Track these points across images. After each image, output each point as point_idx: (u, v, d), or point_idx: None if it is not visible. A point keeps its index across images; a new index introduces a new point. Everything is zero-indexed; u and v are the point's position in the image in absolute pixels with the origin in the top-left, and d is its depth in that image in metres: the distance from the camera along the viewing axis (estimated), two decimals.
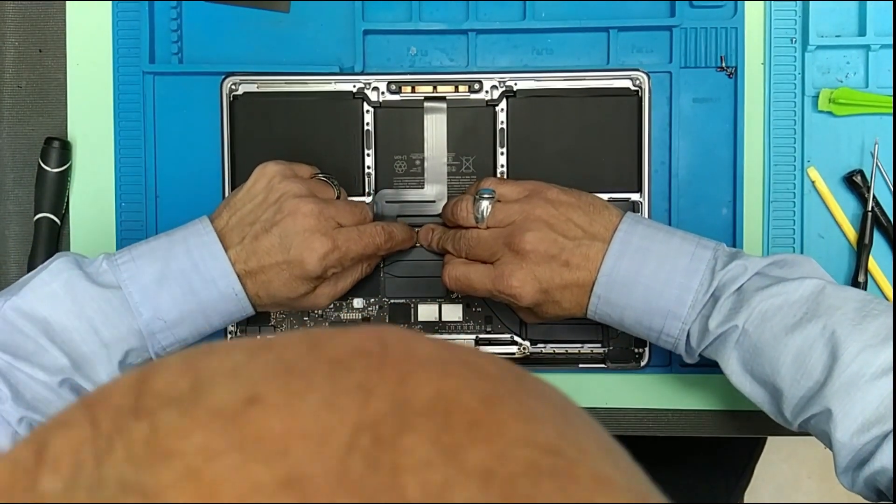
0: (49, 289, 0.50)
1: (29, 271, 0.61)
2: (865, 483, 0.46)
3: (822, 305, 0.47)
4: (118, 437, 0.15)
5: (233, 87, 0.61)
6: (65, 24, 0.63)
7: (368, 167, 0.61)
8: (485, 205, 0.54)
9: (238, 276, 0.52)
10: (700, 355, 0.52)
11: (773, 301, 0.48)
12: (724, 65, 0.61)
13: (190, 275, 0.51)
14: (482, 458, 0.15)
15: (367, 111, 0.61)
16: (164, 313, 0.51)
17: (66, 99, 0.63)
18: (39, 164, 0.61)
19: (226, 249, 0.52)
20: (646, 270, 0.50)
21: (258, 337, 0.62)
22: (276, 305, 0.55)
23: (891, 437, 0.44)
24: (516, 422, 0.16)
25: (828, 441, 0.47)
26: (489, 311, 0.61)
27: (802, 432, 0.51)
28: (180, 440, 0.15)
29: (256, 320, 0.61)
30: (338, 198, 0.57)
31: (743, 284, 0.49)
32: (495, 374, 0.18)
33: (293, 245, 0.51)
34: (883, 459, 0.44)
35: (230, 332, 0.62)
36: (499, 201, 0.54)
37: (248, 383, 0.16)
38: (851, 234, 0.61)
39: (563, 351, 0.61)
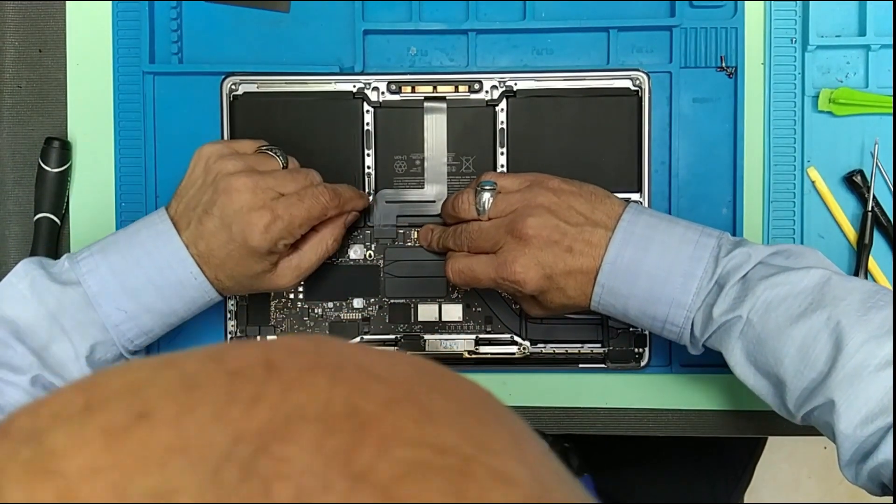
0: (15, 290, 0.51)
1: None
2: (869, 476, 0.45)
3: (827, 296, 0.47)
4: (8, 461, 0.15)
5: (233, 87, 0.61)
6: (65, 24, 0.63)
7: (368, 167, 0.61)
8: (486, 196, 0.54)
9: (194, 260, 0.52)
10: (704, 346, 0.52)
11: (778, 291, 0.48)
12: (724, 65, 0.61)
13: (145, 263, 0.52)
14: (365, 461, 0.15)
15: (367, 111, 0.61)
16: (124, 303, 0.52)
17: (66, 99, 0.63)
18: (39, 164, 0.61)
19: (179, 234, 0.52)
20: (650, 258, 0.50)
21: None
22: (242, 288, 0.55)
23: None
24: (412, 423, 0.16)
25: (831, 433, 0.47)
26: (489, 311, 0.61)
27: (804, 429, 0.51)
28: (63, 460, 0.15)
29: (257, 320, 0.61)
30: (285, 168, 0.55)
31: (748, 273, 0.49)
32: (399, 376, 0.18)
33: (233, 223, 0.51)
34: (887, 452, 0.44)
35: (230, 333, 0.62)
36: (499, 193, 0.54)
37: (142, 399, 0.16)
38: (851, 234, 0.61)
39: (563, 351, 0.61)
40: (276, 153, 0.55)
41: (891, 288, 0.60)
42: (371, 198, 0.61)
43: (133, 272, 0.52)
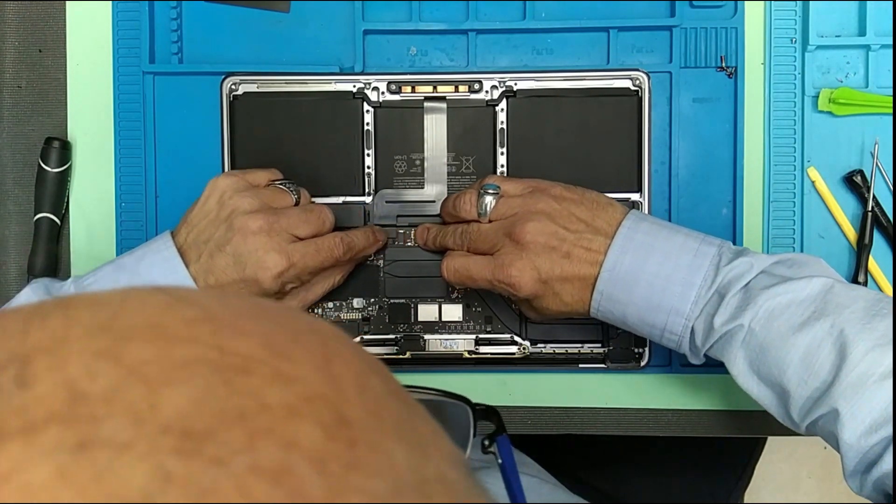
0: None
1: (28, 271, 0.61)
2: (874, 487, 0.45)
3: (830, 304, 0.47)
4: None
5: (233, 87, 0.61)
6: (65, 24, 0.63)
7: (368, 167, 0.61)
8: (489, 199, 0.54)
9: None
10: (705, 355, 0.52)
11: (781, 299, 0.47)
12: (724, 65, 0.61)
13: None
14: (138, 356, 0.16)
15: (367, 111, 0.61)
16: None
17: (66, 99, 0.63)
18: (39, 164, 0.61)
19: (187, 265, 0.52)
20: (649, 266, 0.50)
21: None
22: None
23: None
24: (209, 334, 0.17)
25: (835, 443, 0.46)
26: (489, 311, 0.61)
27: (807, 434, 0.51)
28: None
29: None
30: (297, 202, 0.56)
31: (749, 282, 0.49)
32: (216, 305, 0.19)
33: (247, 264, 0.51)
34: (891, 462, 0.43)
35: None
36: (502, 197, 0.54)
37: None
38: (851, 234, 0.61)
39: (563, 351, 0.61)
40: (288, 187, 0.56)
41: (891, 291, 0.60)
42: (371, 198, 0.61)
43: None
